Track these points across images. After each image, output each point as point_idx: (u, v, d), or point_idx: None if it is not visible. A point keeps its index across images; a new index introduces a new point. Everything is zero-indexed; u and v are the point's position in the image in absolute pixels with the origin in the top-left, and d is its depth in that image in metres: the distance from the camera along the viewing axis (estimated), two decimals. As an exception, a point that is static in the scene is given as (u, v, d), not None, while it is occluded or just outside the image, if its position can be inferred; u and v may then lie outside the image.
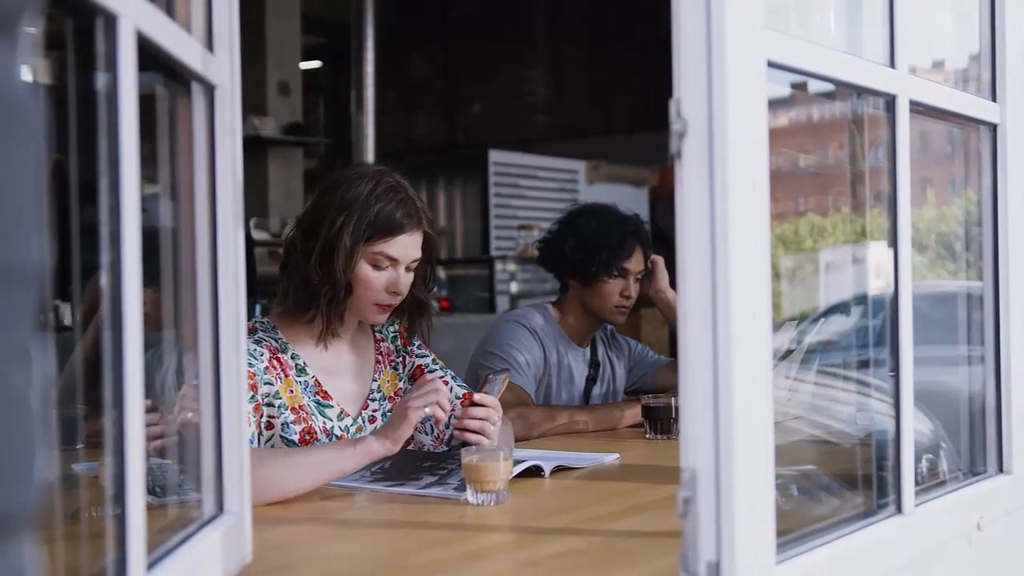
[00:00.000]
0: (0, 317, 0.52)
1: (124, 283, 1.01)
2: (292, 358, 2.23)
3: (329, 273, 2.18)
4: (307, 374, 2.24)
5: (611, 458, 2.37)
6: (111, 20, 1.00)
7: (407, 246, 2.23)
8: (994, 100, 1.82)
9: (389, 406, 2.35)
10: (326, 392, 2.25)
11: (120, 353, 1.01)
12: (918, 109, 1.59)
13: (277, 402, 2.16)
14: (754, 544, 1.19)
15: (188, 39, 1.26)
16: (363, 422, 2.30)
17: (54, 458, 0.62)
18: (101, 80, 1.03)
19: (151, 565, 1.10)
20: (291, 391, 2.19)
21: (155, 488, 1.36)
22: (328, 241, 2.17)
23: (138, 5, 1.05)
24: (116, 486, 1.01)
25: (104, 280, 1.02)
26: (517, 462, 2.04)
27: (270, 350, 2.19)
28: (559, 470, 2.19)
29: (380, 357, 2.39)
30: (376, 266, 2.21)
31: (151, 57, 1.12)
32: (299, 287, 2.21)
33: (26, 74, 0.55)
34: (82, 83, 1.06)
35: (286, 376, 2.20)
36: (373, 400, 2.34)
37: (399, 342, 2.44)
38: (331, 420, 2.23)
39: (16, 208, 0.52)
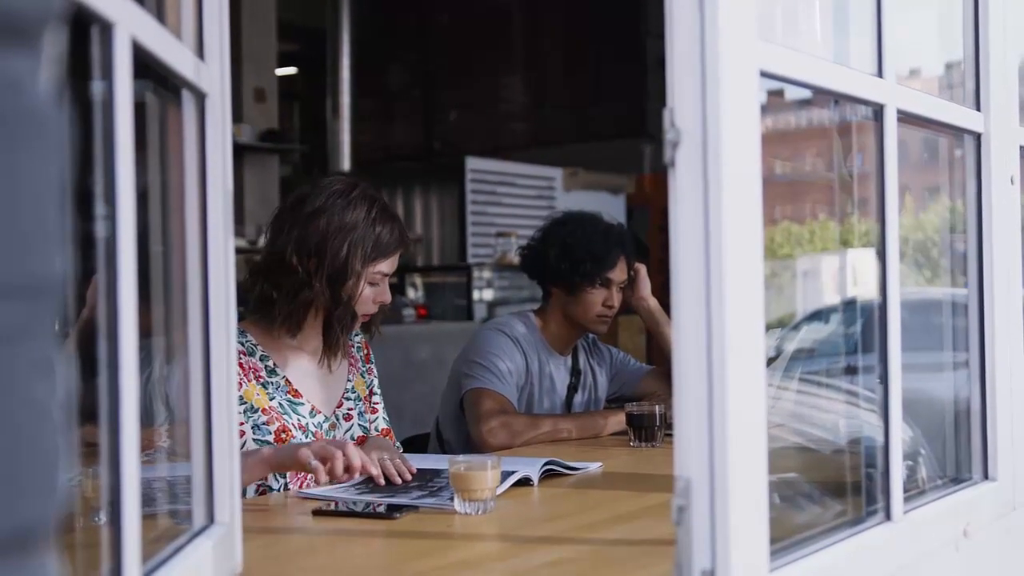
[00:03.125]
0: (24, 329, 0.51)
1: (119, 291, 1.00)
2: (261, 360, 2.29)
3: (338, 298, 2.26)
4: (278, 375, 2.30)
5: (595, 467, 2.37)
6: (107, 28, 0.99)
7: (396, 261, 2.37)
8: (978, 109, 1.83)
9: (363, 406, 2.46)
10: (297, 391, 2.31)
11: (115, 363, 1.00)
12: (904, 118, 1.60)
13: (242, 406, 2.21)
14: (748, 552, 1.19)
15: (181, 47, 1.25)
16: (337, 419, 2.39)
17: (73, 470, 0.61)
18: (95, 87, 1.02)
19: (144, 576, 1.09)
20: (258, 394, 2.25)
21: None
22: (336, 267, 2.25)
23: (134, 13, 1.04)
24: (112, 496, 1.00)
25: (100, 289, 1.01)
26: (505, 473, 2.04)
27: None
28: (548, 475, 2.20)
29: (352, 360, 2.48)
30: (371, 284, 2.32)
31: (142, 64, 1.12)
32: (302, 308, 2.28)
33: (49, 84, 0.55)
34: (75, 90, 1.06)
35: (250, 381, 2.25)
36: (348, 399, 2.43)
37: (362, 353, 2.54)
38: (304, 417, 2.30)
39: (40, 220, 0.52)
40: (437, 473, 2.19)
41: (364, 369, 2.51)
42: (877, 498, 1.55)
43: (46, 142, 0.53)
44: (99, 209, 1.02)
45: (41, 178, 0.53)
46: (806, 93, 1.59)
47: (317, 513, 1.89)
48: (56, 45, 0.57)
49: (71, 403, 0.58)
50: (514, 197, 8.46)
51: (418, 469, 2.26)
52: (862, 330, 1.81)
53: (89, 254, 1.03)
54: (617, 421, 2.84)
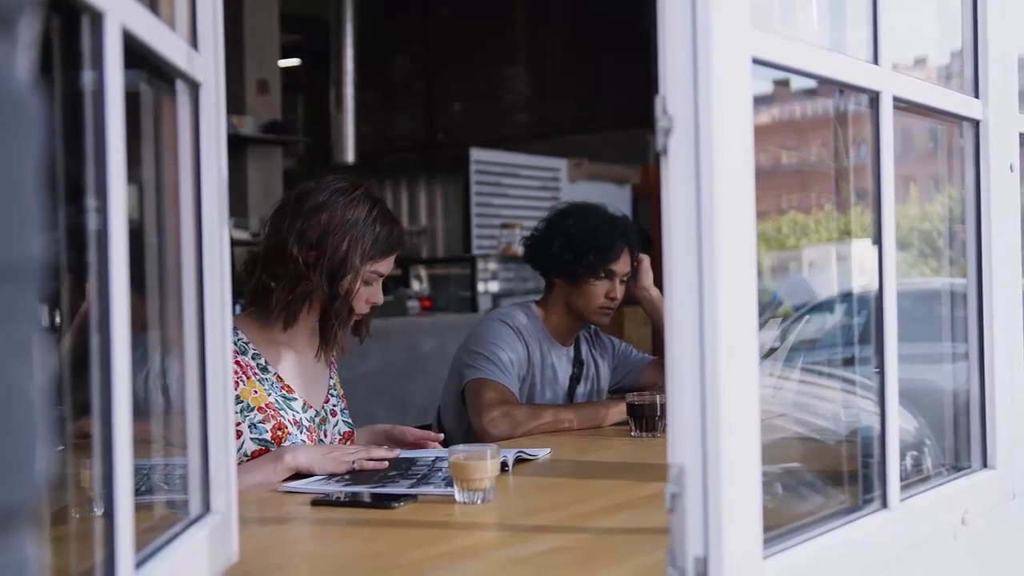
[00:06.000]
0: (3, 313, 0.52)
1: (111, 284, 1.01)
2: (253, 358, 2.32)
3: (335, 292, 2.29)
4: (270, 372, 2.33)
5: (544, 452, 2.40)
6: (97, 17, 0.99)
7: (392, 262, 2.40)
8: (976, 96, 1.83)
9: (343, 404, 2.50)
10: (289, 386, 2.35)
11: (108, 354, 1.00)
12: (901, 105, 1.59)
13: (239, 406, 2.23)
14: (741, 539, 1.19)
15: (173, 37, 1.25)
16: (326, 414, 2.43)
17: (54, 454, 0.62)
18: (86, 77, 1.02)
19: (138, 564, 1.09)
20: (255, 392, 2.28)
21: (139, 487, 1.35)
22: (335, 262, 2.28)
23: (124, 2, 1.04)
24: (104, 486, 1.01)
25: (91, 281, 1.01)
26: None
27: None
28: (519, 462, 2.24)
29: (333, 360, 2.52)
30: (366, 283, 2.34)
31: (135, 55, 1.12)
32: (299, 300, 2.30)
33: (25, 71, 0.55)
34: (65, 80, 1.06)
35: (248, 378, 2.28)
36: (332, 395, 2.48)
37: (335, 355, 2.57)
38: (297, 412, 2.33)
39: (18, 205, 0.52)
40: (413, 462, 2.21)
41: (337, 369, 2.57)
42: (874, 486, 1.55)
43: (22, 128, 0.53)
44: (91, 202, 1.02)
45: (17, 163, 0.53)
46: (812, 82, 1.59)
47: (315, 503, 1.90)
48: (32, 31, 0.57)
49: (51, 386, 0.58)
50: (518, 188, 8.45)
51: (397, 458, 2.26)
52: (865, 320, 1.81)
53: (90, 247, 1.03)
54: (618, 411, 2.84)
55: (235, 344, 2.28)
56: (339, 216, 2.29)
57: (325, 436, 2.39)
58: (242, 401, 2.24)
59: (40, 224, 0.55)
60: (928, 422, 1.93)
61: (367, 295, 2.35)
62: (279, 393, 2.31)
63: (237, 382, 2.23)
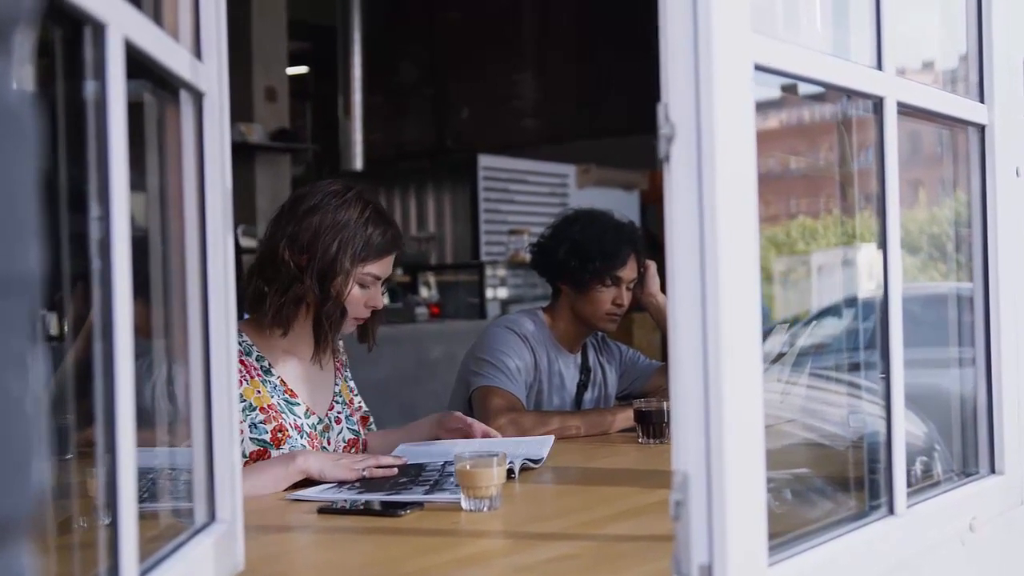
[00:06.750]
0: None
1: (114, 292, 1.01)
2: (257, 360, 2.33)
3: (327, 294, 2.29)
4: (273, 375, 2.33)
5: (548, 442, 2.42)
6: (99, 28, 1.00)
7: (390, 265, 2.38)
8: (982, 101, 1.82)
9: (349, 411, 2.49)
10: (292, 391, 2.35)
11: (111, 362, 1.01)
12: (906, 111, 1.59)
13: (241, 404, 2.23)
14: (746, 546, 1.19)
15: (176, 47, 1.25)
16: (330, 421, 2.42)
17: (50, 466, 0.62)
18: (89, 88, 1.03)
19: (143, 573, 1.10)
20: (258, 392, 2.29)
21: (144, 495, 1.36)
22: (325, 263, 2.28)
23: (126, 13, 1.04)
24: (108, 495, 1.01)
25: (94, 289, 1.02)
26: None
27: None
28: (524, 469, 2.23)
29: (339, 366, 2.52)
30: (362, 285, 2.34)
31: (138, 64, 1.12)
32: (292, 303, 2.30)
33: (21, 83, 0.55)
34: (69, 91, 1.06)
35: (252, 378, 2.29)
36: (337, 402, 2.47)
37: (345, 358, 2.58)
38: (299, 417, 2.33)
39: (13, 217, 0.52)
40: (422, 468, 2.20)
41: (346, 375, 2.55)
42: (881, 492, 1.55)
43: (18, 140, 0.54)
44: (95, 211, 1.02)
45: (12, 176, 0.53)
46: (820, 87, 1.58)
47: (322, 511, 1.90)
48: (28, 44, 0.57)
49: (57, 396, 0.58)
50: (527, 195, 8.46)
51: (405, 465, 2.25)
52: (873, 325, 1.81)
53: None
54: (625, 417, 2.84)
55: (240, 346, 2.28)
56: (330, 218, 2.29)
57: (328, 443, 2.38)
58: (244, 400, 2.24)
59: (37, 236, 0.56)
60: (937, 427, 1.93)
61: (365, 298, 2.34)
62: (282, 396, 2.31)
63: (240, 381, 2.23)
